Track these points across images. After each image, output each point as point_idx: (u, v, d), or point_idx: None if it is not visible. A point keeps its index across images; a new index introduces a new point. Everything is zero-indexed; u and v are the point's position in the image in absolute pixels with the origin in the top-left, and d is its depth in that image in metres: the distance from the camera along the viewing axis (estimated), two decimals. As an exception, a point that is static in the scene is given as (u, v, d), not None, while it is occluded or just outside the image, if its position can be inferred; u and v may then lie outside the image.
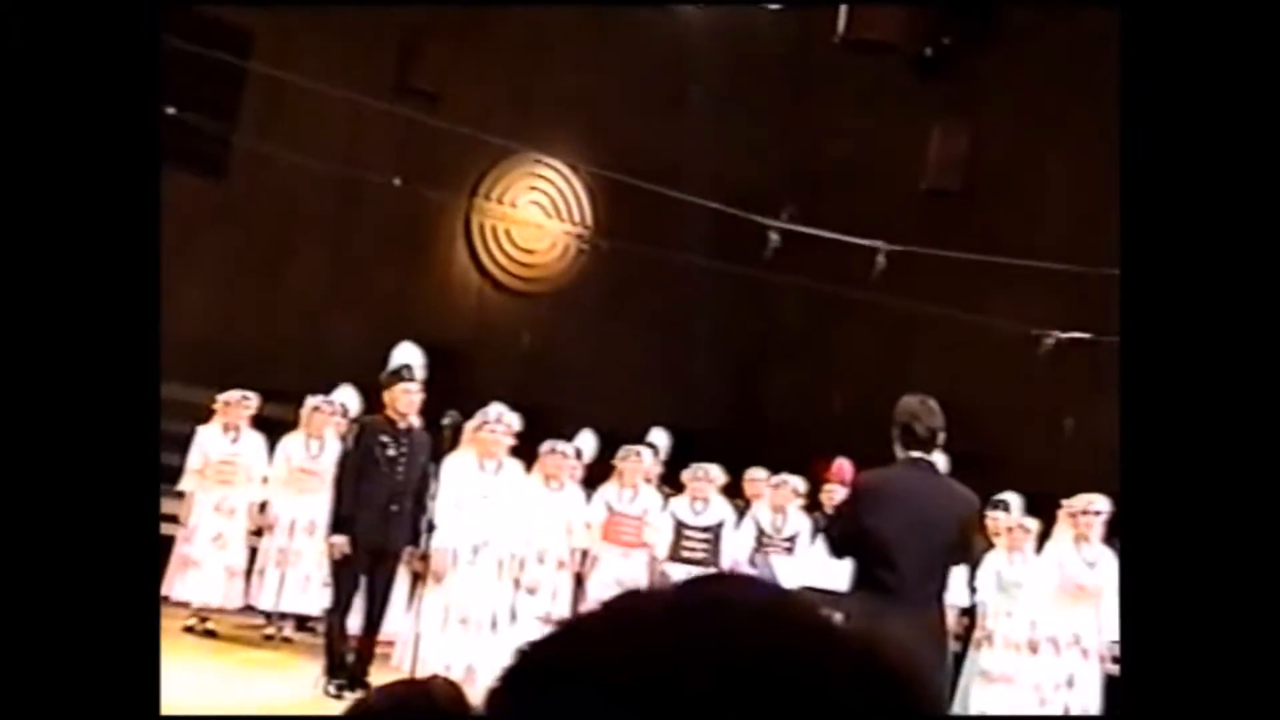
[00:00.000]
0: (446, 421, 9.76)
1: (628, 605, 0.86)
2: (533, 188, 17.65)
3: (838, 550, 7.12)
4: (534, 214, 17.69)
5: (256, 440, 11.86)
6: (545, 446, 11.85)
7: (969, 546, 7.24)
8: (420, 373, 9.93)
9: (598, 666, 0.80)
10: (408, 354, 9.95)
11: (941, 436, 6.98)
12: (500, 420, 11.02)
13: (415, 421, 9.93)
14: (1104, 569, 10.77)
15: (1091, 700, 10.58)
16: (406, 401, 9.77)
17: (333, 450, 10.99)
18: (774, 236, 13.03)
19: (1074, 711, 10.53)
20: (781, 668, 0.79)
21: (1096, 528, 10.84)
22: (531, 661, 0.85)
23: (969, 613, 12.06)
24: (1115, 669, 10.75)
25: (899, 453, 6.98)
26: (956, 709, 11.93)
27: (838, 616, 0.90)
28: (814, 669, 0.80)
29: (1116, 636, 10.69)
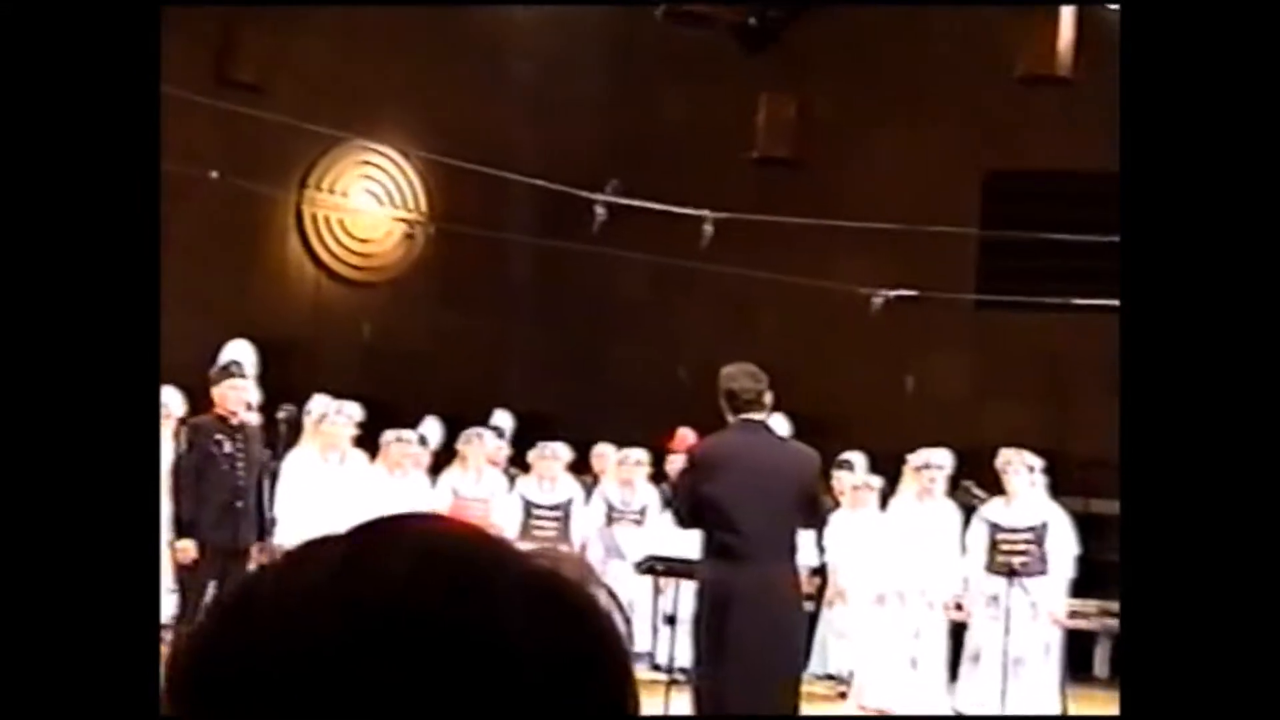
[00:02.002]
0: (282, 415, 9.66)
1: (305, 554, 0.85)
2: (364, 176, 17.48)
3: (682, 520, 7.20)
4: (367, 202, 17.52)
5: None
6: (388, 435, 11.78)
7: (815, 503, 7.32)
8: (251, 368, 9.79)
9: (272, 619, 0.81)
10: (237, 350, 9.81)
11: (769, 398, 7.08)
12: (341, 412, 10.95)
13: (249, 417, 9.79)
14: (944, 522, 11.01)
15: (938, 650, 10.84)
16: (236, 398, 9.60)
17: (166, 453, 10.79)
18: (600, 211, 13.05)
19: (920, 660, 10.77)
20: (449, 609, 0.80)
21: (940, 482, 11.07)
22: (217, 612, 0.85)
23: (820, 571, 12.26)
24: (959, 617, 11.02)
25: (729, 418, 7.08)
26: (815, 667, 12.13)
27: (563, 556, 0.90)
28: (482, 608, 0.81)
29: (959, 588, 10.98)
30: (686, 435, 12.98)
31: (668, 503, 7.86)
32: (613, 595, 0.87)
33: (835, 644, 12.18)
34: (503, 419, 13.48)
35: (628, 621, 0.85)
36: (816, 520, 7.47)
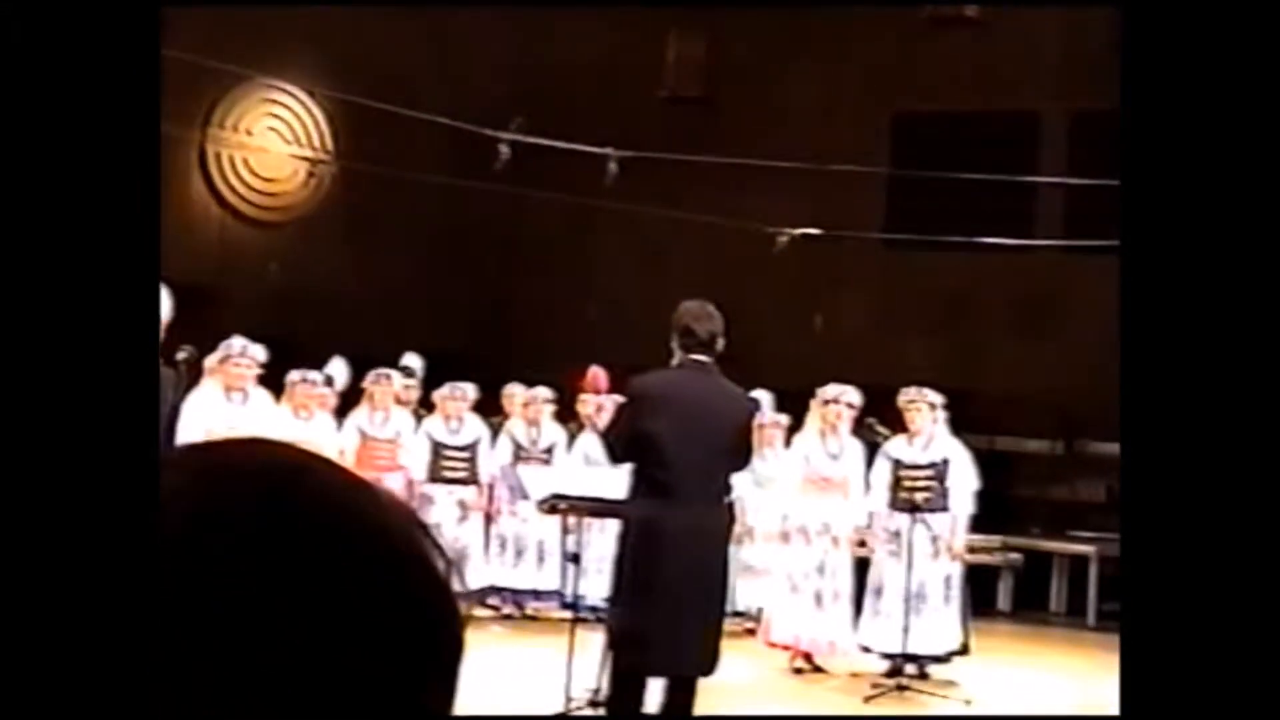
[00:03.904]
0: (182, 356, 9.54)
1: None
2: (269, 114, 17.24)
3: (615, 454, 7.12)
4: (272, 141, 17.28)
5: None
6: (294, 376, 11.70)
7: (749, 449, 7.29)
8: (167, 313, 9.67)
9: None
10: None
11: (721, 342, 7.02)
12: (245, 354, 10.86)
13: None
14: (849, 459, 11.11)
15: (844, 585, 10.96)
16: (144, 339, 9.50)
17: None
18: (504, 149, 12.96)
19: (825, 594, 10.89)
20: (285, 530, 0.80)
21: (845, 419, 11.14)
22: None
23: (729, 509, 12.34)
24: (864, 553, 11.15)
25: (678, 355, 7.00)
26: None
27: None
28: (304, 534, 0.81)
29: (862, 522, 11.11)
30: (599, 374, 13.01)
31: (602, 435, 7.77)
32: (419, 521, 0.87)
33: (743, 581, 12.28)
34: (411, 359, 13.42)
35: (439, 547, 0.85)
36: (746, 465, 7.46)
